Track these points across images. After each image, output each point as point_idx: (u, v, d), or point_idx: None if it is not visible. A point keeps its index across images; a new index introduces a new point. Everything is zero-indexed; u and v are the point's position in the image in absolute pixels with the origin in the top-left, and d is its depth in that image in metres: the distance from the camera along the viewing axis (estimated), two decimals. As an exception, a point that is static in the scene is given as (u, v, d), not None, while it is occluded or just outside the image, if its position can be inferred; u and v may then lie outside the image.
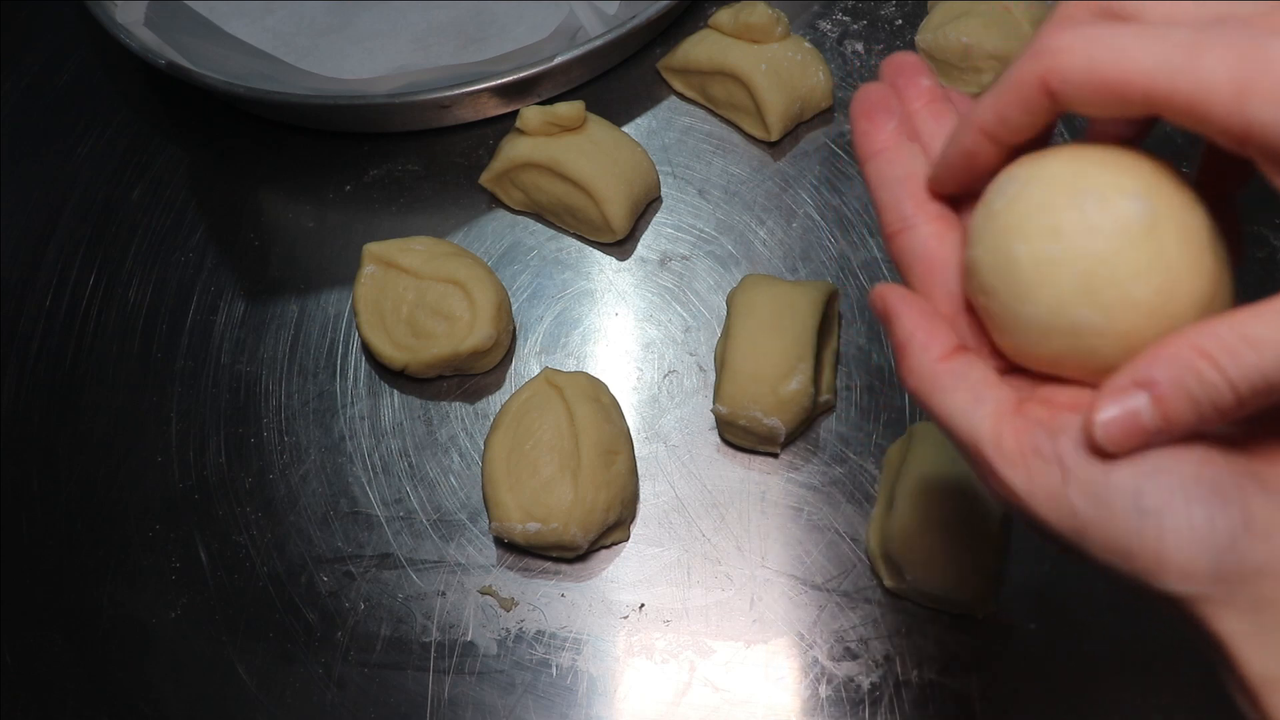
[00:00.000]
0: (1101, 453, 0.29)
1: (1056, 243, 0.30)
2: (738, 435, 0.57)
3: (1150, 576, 0.28)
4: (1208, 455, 0.28)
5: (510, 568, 0.56)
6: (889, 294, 0.33)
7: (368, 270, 0.61)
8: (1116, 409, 0.29)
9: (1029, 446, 0.30)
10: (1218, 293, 0.30)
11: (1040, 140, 0.34)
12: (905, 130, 0.36)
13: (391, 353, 0.60)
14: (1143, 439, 0.29)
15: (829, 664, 0.53)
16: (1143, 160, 0.31)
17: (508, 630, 0.54)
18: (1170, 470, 0.28)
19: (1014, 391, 0.32)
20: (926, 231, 0.34)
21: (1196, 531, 0.27)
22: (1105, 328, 0.29)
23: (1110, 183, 0.30)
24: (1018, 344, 0.32)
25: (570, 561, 0.56)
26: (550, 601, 0.55)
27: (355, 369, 0.62)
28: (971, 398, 0.31)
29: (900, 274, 0.35)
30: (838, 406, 0.59)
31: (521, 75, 0.67)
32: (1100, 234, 0.29)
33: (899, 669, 0.52)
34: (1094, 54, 0.29)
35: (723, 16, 0.67)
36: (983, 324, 0.33)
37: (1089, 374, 0.31)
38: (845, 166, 0.68)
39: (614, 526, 0.55)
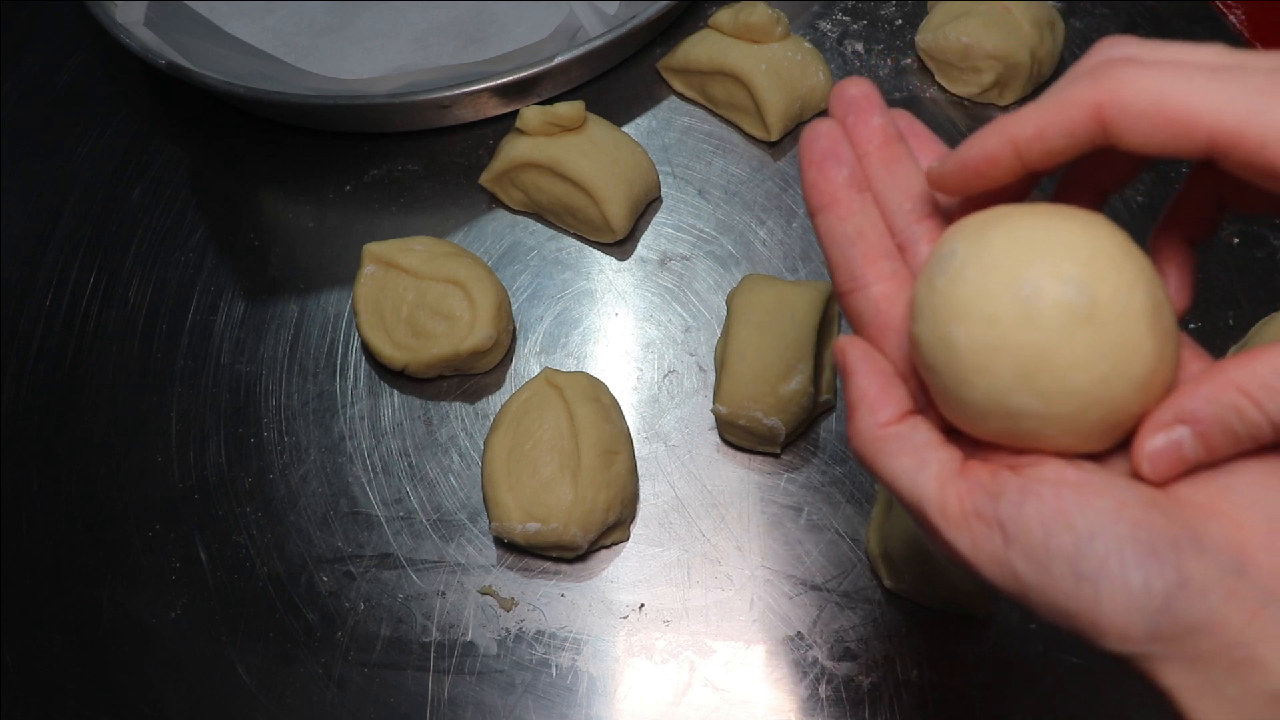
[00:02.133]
0: (1149, 481, 0.30)
1: (994, 331, 0.30)
2: (738, 435, 0.57)
3: (1090, 637, 0.29)
4: (1145, 516, 0.29)
5: (510, 568, 0.56)
6: (849, 350, 0.33)
7: (368, 270, 0.61)
8: (1162, 440, 0.30)
9: (971, 510, 0.30)
10: (1159, 369, 0.30)
11: (1019, 193, 0.34)
12: (856, 179, 0.35)
13: (391, 353, 0.60)
14: (1185, 468, 0.30)
15: (829, 664, 0.53)
16: (1091, 230, 0.30)
17: (508, 630, 0.54)
18: (1107, 534, 0.28)
19: (959, 451, 0.32)
20: (878, 291, 0.34)
21: (1132, 595, 0.28)
22: (1044, 413, 0.30)
23: (1049, 269, 0.29)
24: (958, 420, 0.32)
25: (570, 561, 0.56)
26: (550, 601, 0.55)
27: (355, 369, 0.62)
28: (915, 462, 0.31)
29: (854, 331, 0.35)
30: (838, 406, 0.59)
31: (521, 75, 0.67)
32: (1037, 325, 0.29)
33: (899, 669, 0.52)
34: (1161, 87, 0.29)
35: (723, 16, 0.67)
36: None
37: (1030, 449, 0.31)
38: (845, 166, 0.68)
39: (614, 526, 0.55)
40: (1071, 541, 0.28)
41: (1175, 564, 0.28)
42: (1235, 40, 0.72)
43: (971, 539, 0.30)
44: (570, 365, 0.62)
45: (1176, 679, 0.28)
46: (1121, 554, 0.28)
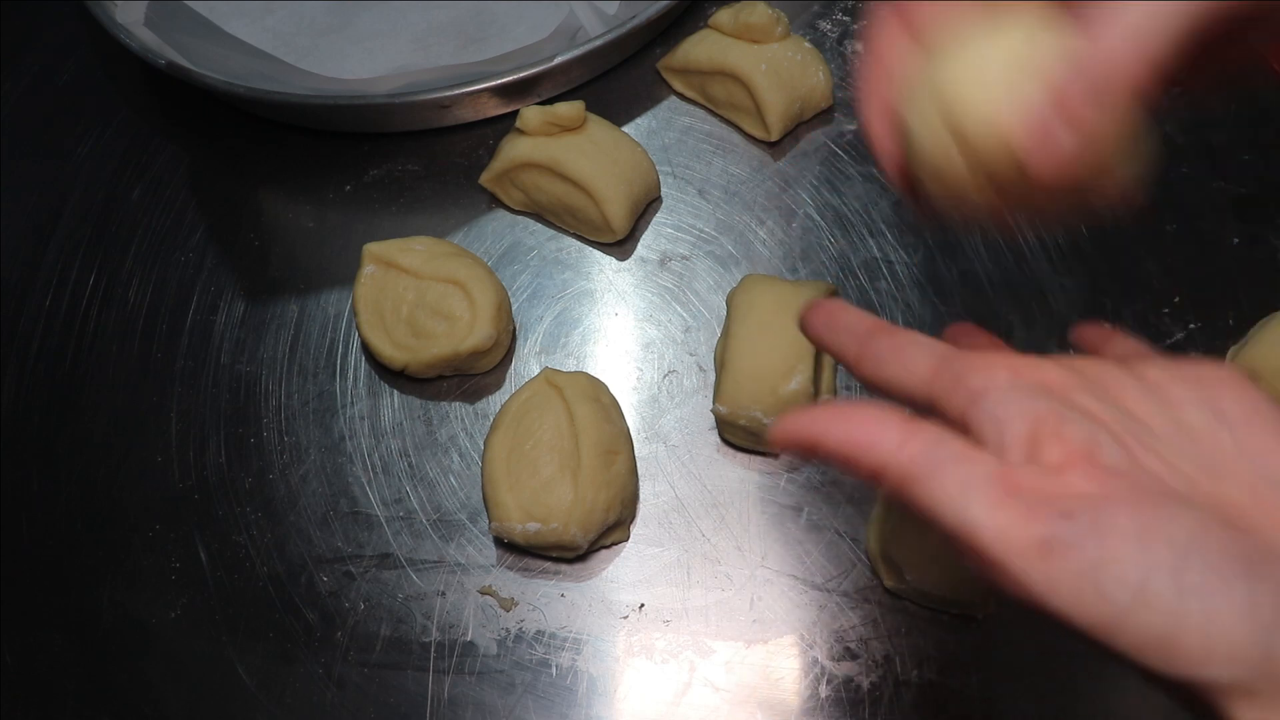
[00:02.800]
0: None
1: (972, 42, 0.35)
2: (738, 435, 0.57)
3: (1192, 662, 0.26)
4: (1228, 535, 0.27)
5: (510, 568, 0.56)
6: (795, 426, 0.31)
7: (368, 270, 0.61)
8: (1038, 131, 0.31)
9: (1041, 536, 0.27)
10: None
11: None
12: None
13: (391, 353, 0.60)
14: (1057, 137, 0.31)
15: (829, 664, 0.53)
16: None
17: (508, 630, 0.54)
18: (1204, 548, 0.26)
19: (990, 458, 0.29)
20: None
21: (1239, 611, 0.26)
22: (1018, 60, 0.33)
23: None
24: (966, 90, 0.34)
25: (570, 561, 0.56)
26: (550, 601, 0.55)
27: (355, 369, 0.62)
28: (957, 485, 0.28)
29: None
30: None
31: (521, 75, 0.67)
32: (1002, 39, 0.34)
33: (899, 669, 0.52)
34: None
35: (723, 16, 0.67)
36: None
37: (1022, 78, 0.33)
38: (845, 166, 0.68)
39: (614, 526, 0.55)
40: (1170, 556, 0.26)
41: (1274, 579, 0.26)
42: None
43: (1046, 568, 0.27)
44: (570, 365, 0.62)
45: (1253, 714, 0.26)
46: (1221, 569, 0.26)
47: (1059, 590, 0.27)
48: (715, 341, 0.61)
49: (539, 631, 0.54)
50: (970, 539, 0.28)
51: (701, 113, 0.71)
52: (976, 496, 0.28)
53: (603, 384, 0.58)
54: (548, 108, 0.62)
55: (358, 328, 0.61)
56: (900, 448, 0.29)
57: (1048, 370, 0.32)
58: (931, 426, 0.30)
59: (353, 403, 0.61)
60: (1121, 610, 0.26)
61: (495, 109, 0.70)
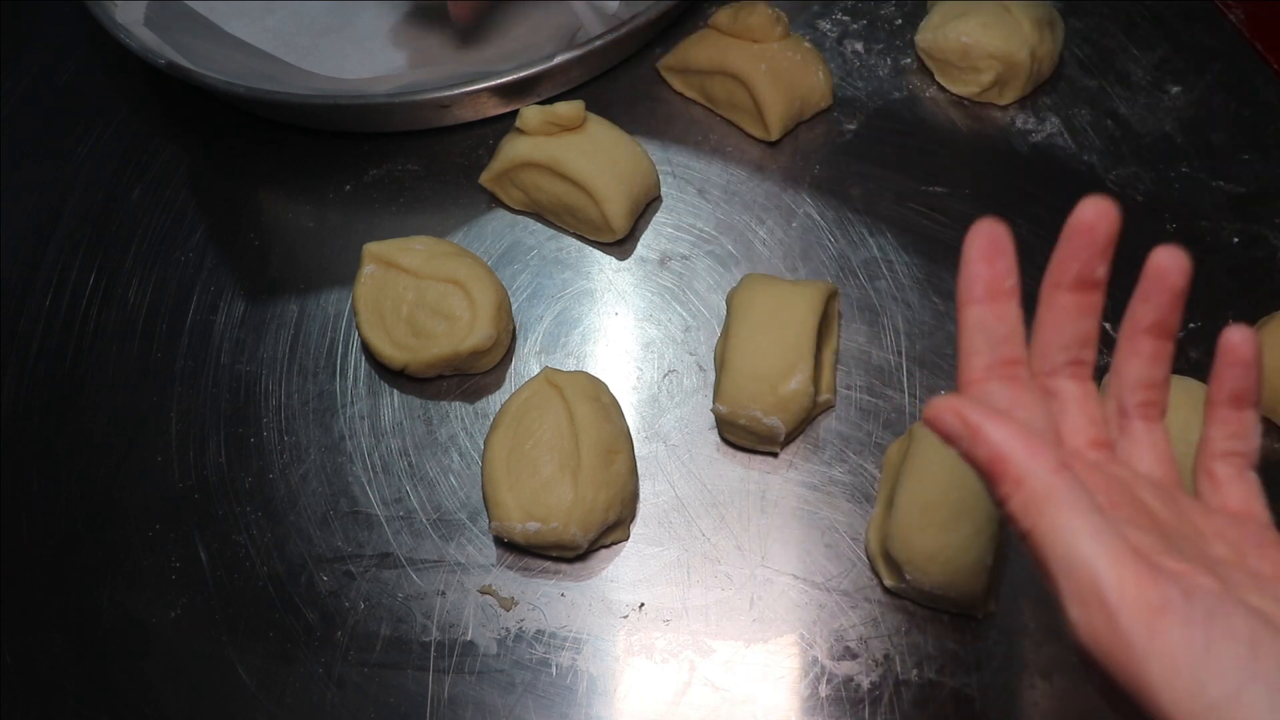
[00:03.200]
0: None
1: None
2: (738, 435, 0.57)
3: None
4: None
5: (510, 567, 0.56)
6: (965, 409, 0.30)
7: (368, 270, 0.61)
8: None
9: (1158, 600, 0.27)
10: None
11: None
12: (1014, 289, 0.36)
13: (391, 352, 0.60)
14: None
15: (829, 663, 0.53)
16: None
17: (508, 630, 0.54)
18: None
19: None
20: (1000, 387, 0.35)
21: None
22: None
23: None
24: None
25: (570, 561, 0.56)
26: (550, 601, 0.55)
27: (355, 369, 0.62)
28: (1091, 527, 0.28)
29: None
30: (838, 406, 0.59)
31: (521, 75, 0.67)
32: None
33: (899, 668, 0.52)
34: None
35: (722, 16, 0.68)
36: None
37: None
38: (845, 166, 0.68)
39: (614, 526, 0.55)
40: (1277, 674, 0.26)
41: None
42: (1234, 39, 0.72)
43: (1149, 632, 0.26)
44: (570, 365, 0.62)
45: None
46: None
47: (1157, 662, 0.27)
48: (715, 341, 0.61)
49: (539, 631, 0.54)
50: (1088, 581, 0.28)
51: (701, 113, 0.71)
52: (1106, 546, 0.28)
53: (603, 383, 0.58)
54: (548, 107, 0.62)
55: (358, 327, 0.61)
56: (1052, 471, 0.29)
57: (1139, 513, 0.32)
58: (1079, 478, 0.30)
59: (353, 402, 0.61)
60: (1209, 706, 0.26)
61: (495, 109, 0.70)
